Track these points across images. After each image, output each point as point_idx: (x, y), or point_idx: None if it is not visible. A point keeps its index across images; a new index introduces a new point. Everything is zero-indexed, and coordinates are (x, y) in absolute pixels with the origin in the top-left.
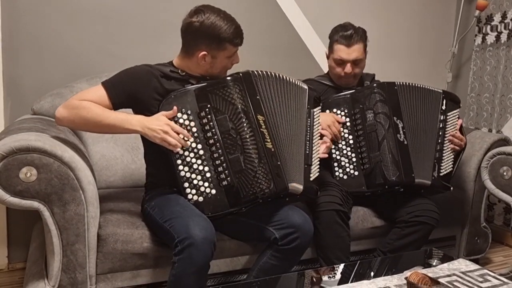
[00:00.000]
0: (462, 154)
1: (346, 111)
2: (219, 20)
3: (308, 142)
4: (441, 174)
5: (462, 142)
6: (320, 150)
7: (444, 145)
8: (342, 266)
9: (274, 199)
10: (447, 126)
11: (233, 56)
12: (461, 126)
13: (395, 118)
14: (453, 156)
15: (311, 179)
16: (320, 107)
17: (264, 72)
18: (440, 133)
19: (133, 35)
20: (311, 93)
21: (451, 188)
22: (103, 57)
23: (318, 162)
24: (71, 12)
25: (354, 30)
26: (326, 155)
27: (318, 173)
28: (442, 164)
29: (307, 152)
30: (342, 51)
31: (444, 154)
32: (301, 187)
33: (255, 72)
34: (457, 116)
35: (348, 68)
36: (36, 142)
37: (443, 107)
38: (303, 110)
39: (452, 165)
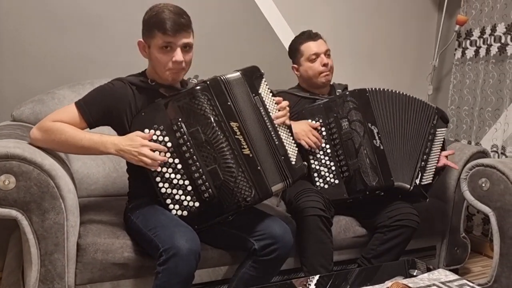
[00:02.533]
0: (440, 174)
1: (320, 121)
2: (159, 8)
3: (272, 132)
4: (422, 183)
5: (445, 164)
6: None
7: (430, 156)
8: (323, 276)
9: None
10: (435, 140)
11: (170, 52)
12: (443, 147)
13: (369, 124)
14: (434, 170)
15: (293, 163)
16: (269, 91)
17: (224, 78)
18: (428, 145)
19: (116, 42)
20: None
21: (427, 199)
22: (86, 64)
23: (292, 140)
24: (54, 17)
25: (313, 31)
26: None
27: (296, 148)
28: (425, 174)
29: (276, 142)
30: (312, 46)
31: (428, 165)
32: (284, 183)
33: (223, 78)
34: (444, 134)
35: (324, 58)
36: (15, 149)
37: (434, 122)
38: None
39: (432, 178)
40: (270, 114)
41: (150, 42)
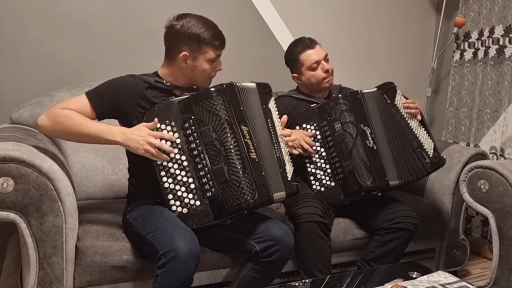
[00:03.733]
0: (425, 121)
1: (315, 124)
2: (200, 23)
3: (275, 145)
4: (431, 155)
5: (415, 104)
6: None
7: (414, 129)
8: (323, 279)
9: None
10: (402, 113)
11: (215, 62)
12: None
13: (362, 125)
14: (425, 131)
15: (289, 179)
16: (272, 101)
17: (240, 85)
18: (408, 124)
19: (114, 44)
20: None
21: (445, 159)
22: (84, 66)
23: (290, 159)
24: (52, 20)
25: (307, 38)
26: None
27: (293, 167)
28: (425, 146)
29: (278, 155)
30: (311, 55)
31: (420, 138)
32: (284, 194)
33: (238, 85)
34: (402, 96)
35: (325, 65)
36: (14, 152)
37: (388, 101)
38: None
39: (431, 139)
40: (276, 128)
41: (197, 55)
